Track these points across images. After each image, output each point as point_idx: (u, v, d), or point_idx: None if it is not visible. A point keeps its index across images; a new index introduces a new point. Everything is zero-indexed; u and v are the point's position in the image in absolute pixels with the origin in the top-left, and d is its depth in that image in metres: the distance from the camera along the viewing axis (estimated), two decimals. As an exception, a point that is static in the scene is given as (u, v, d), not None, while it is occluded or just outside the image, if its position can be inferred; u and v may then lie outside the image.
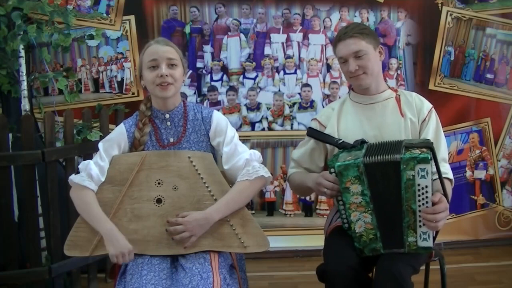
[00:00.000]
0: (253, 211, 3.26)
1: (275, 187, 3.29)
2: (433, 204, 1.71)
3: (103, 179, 1.82)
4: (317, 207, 3.33)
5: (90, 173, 1.80)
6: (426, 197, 1.71)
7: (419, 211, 1.73)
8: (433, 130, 1.97)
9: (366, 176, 1.73)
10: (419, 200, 1.72)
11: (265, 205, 3.31)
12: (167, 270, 1.73)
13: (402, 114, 2.00)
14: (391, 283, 1.69)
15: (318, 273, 1.83)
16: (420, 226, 1.75)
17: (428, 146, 1.73)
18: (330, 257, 1.84)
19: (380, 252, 1.80)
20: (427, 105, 2.03)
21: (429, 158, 1.68)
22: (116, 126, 1.96)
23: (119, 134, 1.89)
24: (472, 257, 3.13)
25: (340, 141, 1.94)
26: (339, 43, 1.98)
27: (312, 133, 2.07)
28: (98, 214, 1.77)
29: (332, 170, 1.79)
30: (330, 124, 2.04)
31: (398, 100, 2.03)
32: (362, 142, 1.87)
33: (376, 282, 1.75)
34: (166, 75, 1.80)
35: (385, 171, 1.73)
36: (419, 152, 1.69)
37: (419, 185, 1.70)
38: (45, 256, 2.62)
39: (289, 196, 3.31)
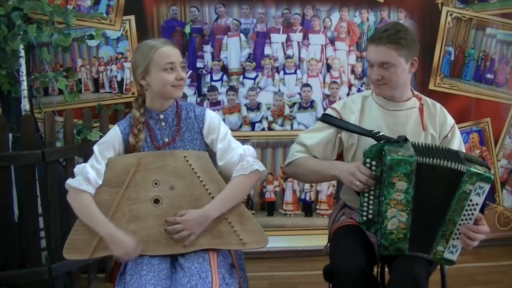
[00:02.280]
0: (253, 211, 3.26)
1: (275, 187, 3.28)
2: (476, 222, 1.72)
3: (100, 182, 1.82)
4: (317, 207, 3.32)
5: (87, 177, 1.80)
6: (472, 214, 1.72)
7: (460, 224, 1.73)
8: (457, 148, 1.94)
9: (415, 176, 1.71)
10: (464, 215, 1.72)
11: (265, 205, 3.30)
12: (166, 270, 1.74)
13: (423, 128, 1.96)
14: (411, 285, 1.69)
15: (325, 273, 1.81)
16: (453, 239, 1.75)
17: (489, 167, 1.75)
18: (338, 257, 1.82)
19: (404, 253, 1.78)
20: (449, 121, 1.99)
21: (492, 179, 1.69)
22: (116, 127, 1.96)
23: (114, 136, 1.89)
24: (472, 257, 3.13)
25: (381, 133, 1.87)
26: (371, 44, 1.88)
27: (337, 122, 1.98)
28: (97, 217, 1.77)
29: (368, 160, 1.78)
30: (352, 120, 1.97)
31: (421, 110, 1.98)
32: (405, 139, 1.83)
33: (394, 283, 1.74)
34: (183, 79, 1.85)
35: (438, 176, 1.72)
36: (484, 171, 1.70)
37: (471, 200, 1.70)
38: (45, 256, 2.62)
39: (289, 196, 3.30)
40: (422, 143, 1.81)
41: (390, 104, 1.98)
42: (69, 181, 1.83)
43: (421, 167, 1.72)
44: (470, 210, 1.72)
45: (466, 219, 1.73)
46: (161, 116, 1.90)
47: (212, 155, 1.92)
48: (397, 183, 1.72)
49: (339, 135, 2.00)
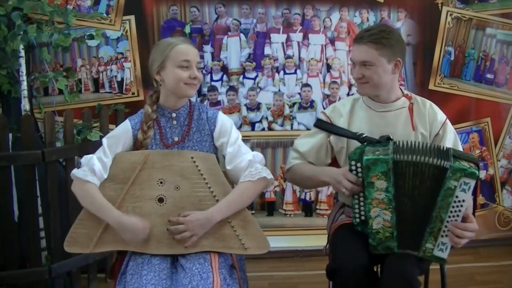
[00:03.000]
0: (253, 211, 3.26)
1: (275, 187, 3.29)
2: (464, 220, 1.71)
3: (105, 176, 1.82)
4: (317, 207, 3.32)
5: (93, 168, 1.80)
6: (459, 210, 1.71)
7: (447, 221, 1.72)
8: (452, 144, 1.94)
9: (393, 174, 1.71)
10: (451, 212, 1.71)
11: (265, 205, 3.31)
12: (167, 270, 1.73)
13: (413, 127, 1.95)
14: (402, 282, 1.69)
15: (327, 272, 1.82)
16: (442, 236, 1.75)
17: (476, 163, 1.73)
18: (340, 255, 1.82)
19: (393, 251, 1.78)
20: (440, 117, 1.98)
21: (477, 174, 1.68)
22: (116, 126, 1.96)
23: (124, 131, 1.89)
24: (472, 257, 3.13)
25: (364, 135, 1.88)
26: (354, 44, 1.90)
27: (325, 126, 2.01)
28: (103, 204, 1.77)
29: (353, 163, 1.78)
30: (341, 123, 1.99)
31: (411, 110, 1.97)
32: (388, 138, 1.84)
33: (386, 281, 1.74)
34: (197, 78, 1.85)
35: (421, 173, 1.72)
36: (469, 166, 1.68)
37: (457, 197, 1.70)
38: (45, 256, 2.62)
39: (289, 196, 3.31)
40: (406, 142, 1.80)
41: (378, 106, 1.98)
42: (75, 171, 1.82)
43: (399, 165, 1.72)
44: (457, 206, 1.71)
45: (454, 216, 1.72)
46: (173, 115, 1.90)
47: (219, 158, 1.92)
48: (376, 182, 1.73)
49: (329, 139, 2.01)
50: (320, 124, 2.03)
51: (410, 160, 1.71)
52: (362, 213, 1.82)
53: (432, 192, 1.72)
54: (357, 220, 1.84)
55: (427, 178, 1.72)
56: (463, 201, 1.70)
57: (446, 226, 1.73)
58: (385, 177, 1.72)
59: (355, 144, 1.91)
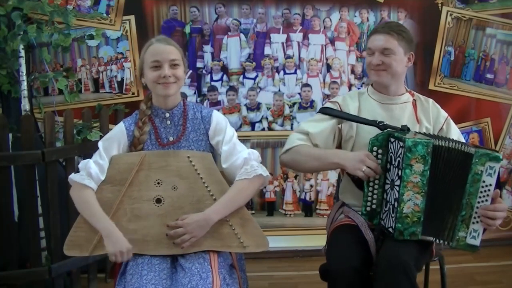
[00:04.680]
0: (253, 211, 3.26)
1: (275, 187, 3.29)
2: (492, 201, 1.76)
3: (102, 178, 1.82)
4: (317, 207, 3.32)
5: (90, 172, 1.80)
6: (487, 195, 1.75)
7: (477, 207, 1.76)
8: (457, 139, 1.96)
9: (431, 158, 1.74)
10: (479, 197, 1.76)
11: (265, 205, 3.31)
12: (167, 270, 1.74)
13: (418, 121, 2.01)
14: (398, 270, 1.69)
15: (320, 273, 1.83)
16: (473, 223, 1.78)
17: (496, 151, 1.79)
18: (333, 257, 1.83)
19: (417, 238, 1.79)
20: (443, 113, 2.05)
21: (500, 158, 1.74)
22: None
23: (119, 132, 1.89)
24: (472, 257, 3.13)
25: (384, 122, 1.93)
26: (374, 34, 1.98)
27: (339, 113, 2.02)
28: (97, 212, 1.78)
29: (375, 149, 1.82)
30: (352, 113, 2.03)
31: (414, 105, 2.04)
32: (408, 128, 1.89)
33: (382, 271, 1.74)
34: (169, 76, 1.82)
35: (452, 159, 1.76)
36: (491, 151, 1.75)
37: (484, 181, 1.75)
38: (45, 256, 2.62)
39: (289, 196, 3.31)
40: (424, 132, 1.87)
41: (385, 98, 2.04)
42: (72, 176, 1.83)
43: (436, 150, 1.75)
44: (485, 191, 1.75)
45: (482, 201, 1.76)
46: (167, 115, 1.90)
47: (216, 157, 1.92)
48: (414, 165, 1.74)
49: (339, 125, 2.04)
50: (334, 112, 2.03)
51: (446, 146, 1.76)
52: (374, 201, 1.85)
53: (460, 179, 1.76)
54: (368, 208, 1.85)
55: (456, 165, 1.77)
56: (490, 185, 1.74)
57: (476, 212, 1.77)
58: (423, 161, 1.74)
59: (364, 133, 1.96)
